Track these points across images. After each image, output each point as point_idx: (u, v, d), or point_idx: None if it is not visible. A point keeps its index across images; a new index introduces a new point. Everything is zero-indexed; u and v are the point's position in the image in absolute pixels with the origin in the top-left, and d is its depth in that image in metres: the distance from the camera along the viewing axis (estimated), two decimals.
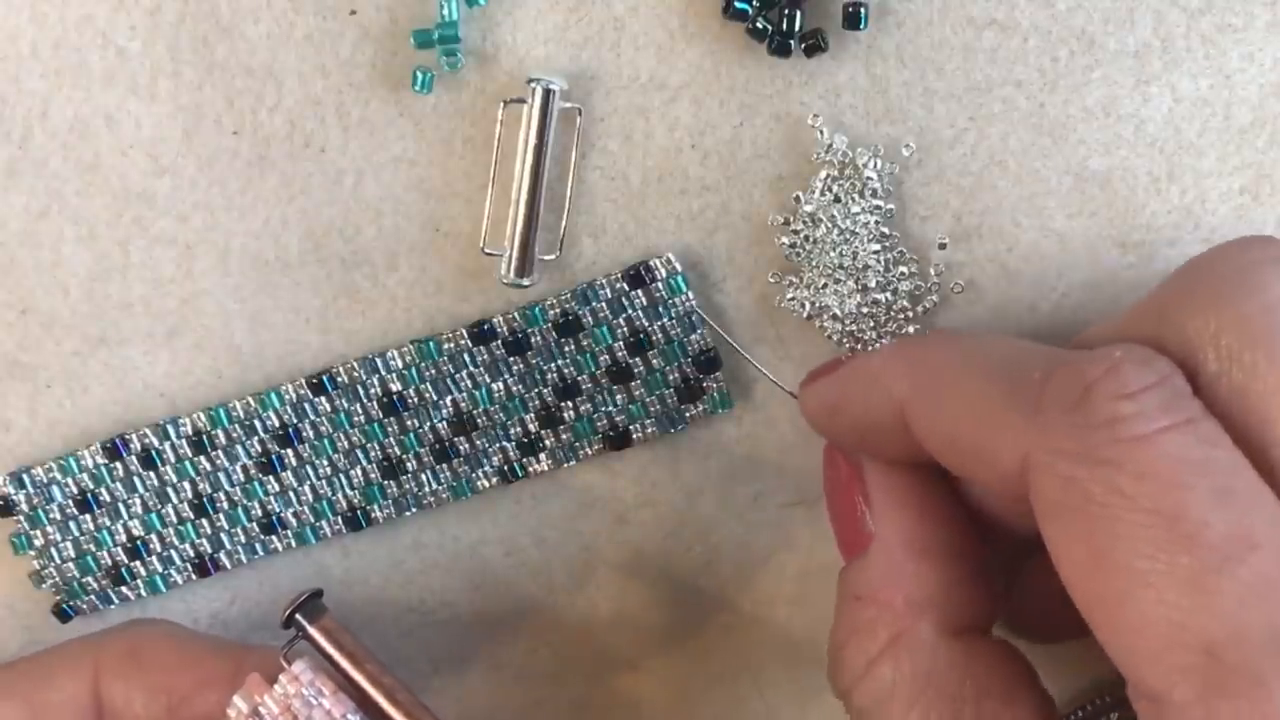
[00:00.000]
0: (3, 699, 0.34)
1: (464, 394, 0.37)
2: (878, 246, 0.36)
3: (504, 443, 0.37)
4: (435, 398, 0.37)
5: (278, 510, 0.38)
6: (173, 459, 0.37)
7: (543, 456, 0.37)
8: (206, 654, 0.35)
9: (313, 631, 0.34)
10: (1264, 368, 0.26)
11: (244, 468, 0.38)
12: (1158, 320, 0.28)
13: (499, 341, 0.37)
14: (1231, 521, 0.25)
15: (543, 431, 0.37)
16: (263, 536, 0.38)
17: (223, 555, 0.38)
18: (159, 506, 0.38)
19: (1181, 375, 0.27)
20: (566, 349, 0.37)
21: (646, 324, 0.36)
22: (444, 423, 0.37)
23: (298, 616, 0.34)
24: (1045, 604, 0.34)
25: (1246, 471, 0.26)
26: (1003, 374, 0.29)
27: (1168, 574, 0.24)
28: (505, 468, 0.38)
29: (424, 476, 0.38)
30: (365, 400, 0.37)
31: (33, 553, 0.38)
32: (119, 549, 0.38)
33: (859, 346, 0.37)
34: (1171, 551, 0.25)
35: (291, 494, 0.38)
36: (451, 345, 0.37)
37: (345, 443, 0.37)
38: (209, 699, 0.34)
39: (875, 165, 0.36)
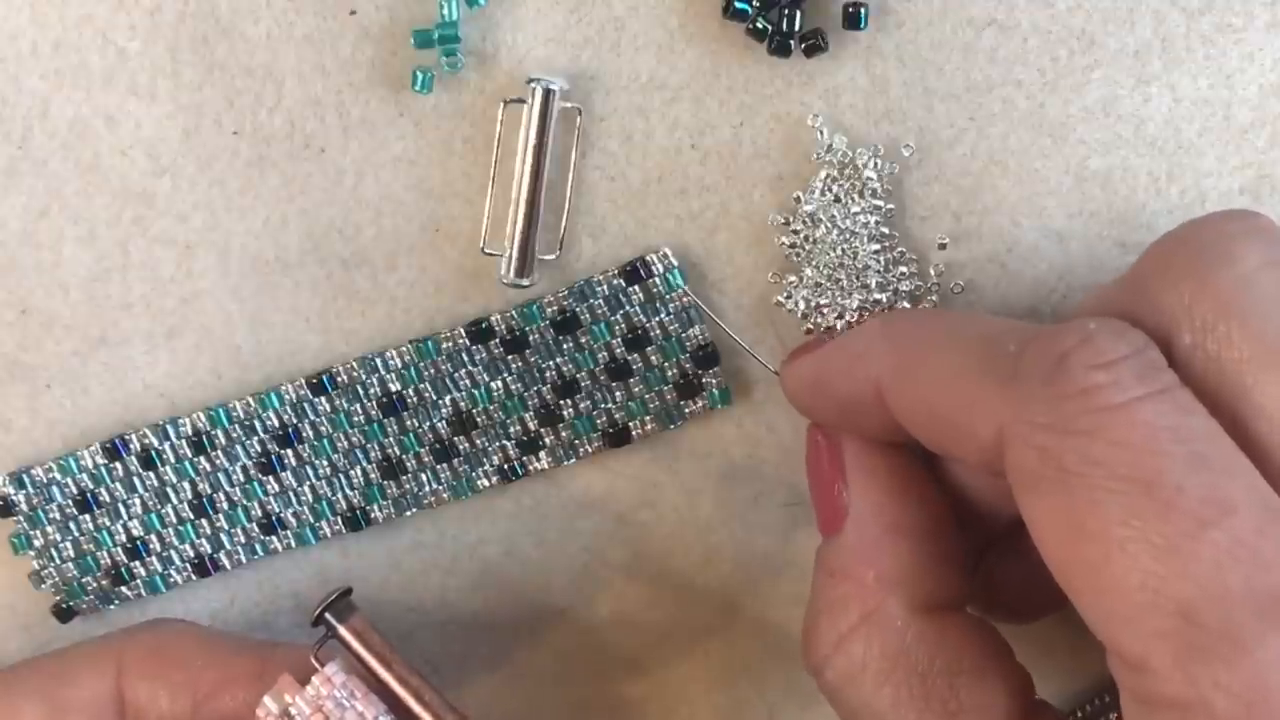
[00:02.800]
0: (24, 696, 0.34)
1: (463, 393, 0.37)
2: (878, 246, 0.36)
3: (504, 441, 0.37)
4: (434, 397, 0.37)
5: (278, 510, 0.38)
6: (173, 459, 0.37)
7: (543, 455, 0.37)
8: (231, 652, 0.35)
9: (343, 632, 0.34)
10: (1238, 339, 0.26)
11: (244, 468, 0.38)
12: (1134, 293, 0.28)
13: (497, 340, 0.37)
14: (1207, 487, 0.25)
15: (542, 429, 0.37)
16: (263, 537, 0.38)
17: (223, 555, 0.38)
18: (159, 507, 0.38)
19: (1155, 347, 0.27)
20: (565, 346, 0.37)
21: (644, 320, 0.36)
22: (443, 422, 0.37)
23: (328, 616, 0.34)
24: (1011, 582, 0.34)
25: (1221, 439, 0.26)
26: (979, 348, 0.29)
27: (1144, 539, 0.24)
28: (505, 466, 0.38)
29: (424, 476, 0.38)
30: (365, 400, 0.37)
31: (33, 553, 0.38)
32: (119, 549, 0.38)
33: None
34: (1147, 517, 0.25)
35: (291, 494, 0.38)
36: (450, 344, 0.37)
37: (345, 443, 0.37)
38: (236, 696, 0.34)
39: (875, 165, 0.36)
